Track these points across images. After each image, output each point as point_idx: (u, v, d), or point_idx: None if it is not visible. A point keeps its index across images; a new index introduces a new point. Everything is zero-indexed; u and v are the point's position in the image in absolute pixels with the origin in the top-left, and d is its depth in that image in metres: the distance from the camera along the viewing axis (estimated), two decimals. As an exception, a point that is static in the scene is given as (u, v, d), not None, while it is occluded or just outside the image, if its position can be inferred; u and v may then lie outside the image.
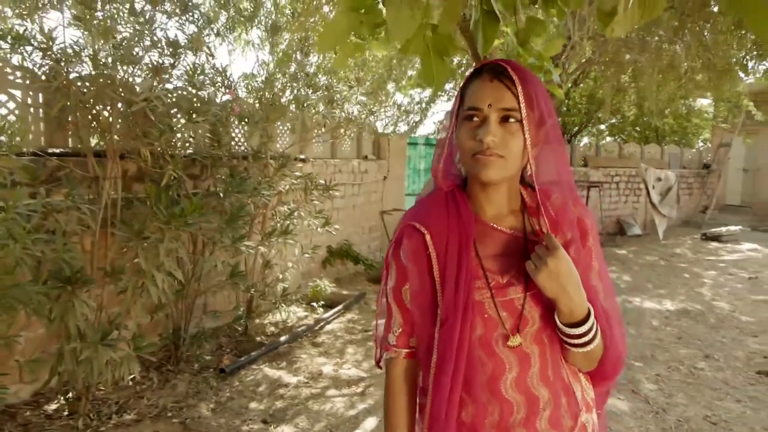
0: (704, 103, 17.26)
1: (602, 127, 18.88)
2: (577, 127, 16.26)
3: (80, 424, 3.47)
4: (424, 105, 12.59)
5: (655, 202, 11.69)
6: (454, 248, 1.22)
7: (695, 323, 6.10)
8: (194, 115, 3.49)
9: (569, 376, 1.27)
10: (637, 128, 17.51)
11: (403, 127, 8.43)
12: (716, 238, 12.46)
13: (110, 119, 3.46)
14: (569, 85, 9.61)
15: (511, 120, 1.15)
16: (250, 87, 5.10)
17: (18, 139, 2.81)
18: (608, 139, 19.18)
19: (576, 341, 1.18)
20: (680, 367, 4.72)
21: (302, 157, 6.36)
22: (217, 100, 4.21)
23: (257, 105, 5.02)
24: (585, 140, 18.72)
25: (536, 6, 2.15)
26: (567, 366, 1.27)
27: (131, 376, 4.11)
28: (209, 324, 5.05)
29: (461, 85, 1.26)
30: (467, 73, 1.22)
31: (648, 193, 11.74)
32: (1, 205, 2.65)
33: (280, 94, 5.13)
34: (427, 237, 1.25)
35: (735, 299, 7.31)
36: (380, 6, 1.40)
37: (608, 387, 1.37)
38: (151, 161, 3.78)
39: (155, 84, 3.32)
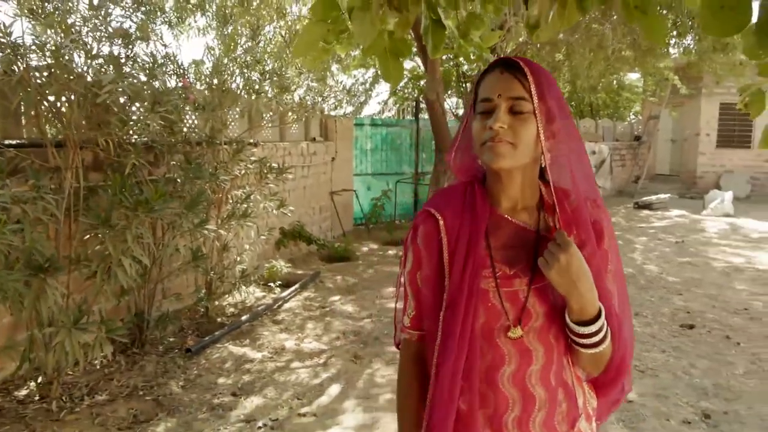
0: (634, 78, 18.08)
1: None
2: (516, 104, 16.81)
3: (54, 406, 3.60)
4: (368, 86, 12.80)
5: (591, 174, 12.32)
6: (465, 235, 1.25)
7: (627, 285, 6.61)
8: (156, 105, 3.62)
9: (574, 380, 1.27)
10: (573, 103, 18.20)
11: (348, 108, 8.60)
12: (647, 206, 13.25)
13: (71, 110, 3.54)
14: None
15: (521, 108, 1.18)
16: (199, 73, 5.21)
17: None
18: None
19: (585, 341, 1.18)
20: (613, 325, 5.17)
21: (253, 141, 6.50)
22: (169, 87, 4.32)
23: (206, 92, 5.14)
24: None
25: (475, 2, 2.42)
26: (573, 370, 1.27)
27: (97, 360, 4.25)
28: (171, 307, 5.19)
29: (476, 80, 1.31)
30: (481, 70, 1.29)
31: (584, 165, 12.34)
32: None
33: (230, 80, 5.26)
34: (441, 223, 1.28)
35: (663, 262, 7.92)
36: (344, 16, 1.64)
37: (613, 397, 1.36)
38: (107, 150, 3.90)
39: (112, 74, 3.42)
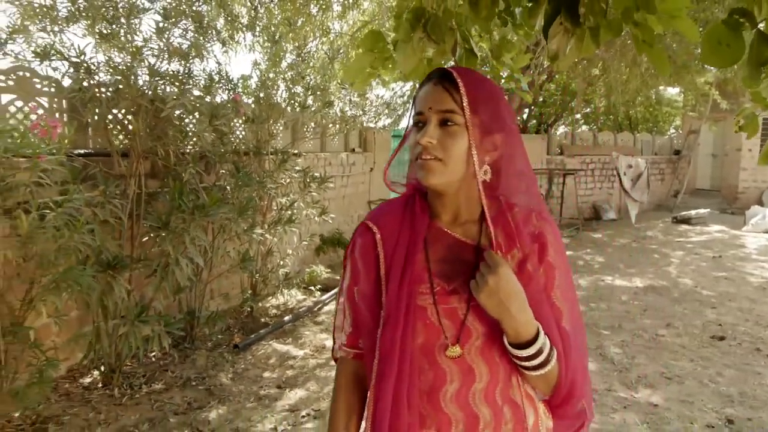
0: (673, 92, 17.95)
1: (578, 116, 19.53)
2: (553, 117, 16.86)
3: (116, 393, 3.94)
4: (405, 98, 13.08)
5: (627, 188, 12.33)
6: (402, 249, 1.21)
7: (660, 297, 6.71)
8: (213, 119, 3.96)
9: (523, 399, 1.20)
10: (611, 117, 18.17)
11: (386, 120, 8.89)
12: (686, 221, 13.14)
13: (136, 123, 3.89)
14: (544, 77, 10.13)
15: (450, 123, 1.15)
16: (246, 87, 5.55)
17: (66, 142, 3.25)
18: (584, 127, 19.84)
19: (525, 363, 1.13)
20: (643, 334, 5.30)
21: (296, 152, 6.83)
22: (218, 100, 4.66)
23: (253, 105, 5.48)
24: (561, 129, 19.34)
25: (507, 28, 2.67)
26: (522, 389, 1.20)
27: (154, 352, 4.59)
28: (218, 306, 5.52)
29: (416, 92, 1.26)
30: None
31: (620, 179, 12.36)
32: (57, 200, 3.10)
33: (274, 94, 5.59)
34: (377, 236, 1.24)
35: (698, 276, 7.94)
36: (389, 47, 1.90)
37: (570, 420, 1.27)
38: (167, 160, 4.25)
39: (175, 90, 3.76)
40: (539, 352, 1.12)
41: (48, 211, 3.07)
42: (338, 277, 7.31)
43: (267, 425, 3.55)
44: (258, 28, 5.88)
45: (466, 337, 1.16)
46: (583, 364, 1.24)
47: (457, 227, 1.24)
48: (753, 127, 2.00)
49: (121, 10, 3.93)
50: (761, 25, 1.48)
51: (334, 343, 1.40)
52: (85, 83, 3.94)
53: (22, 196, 3.25)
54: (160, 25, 3.86)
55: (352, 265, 1.31)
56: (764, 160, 1.97)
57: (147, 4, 4.12)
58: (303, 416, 3.67)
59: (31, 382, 3.33)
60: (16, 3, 3.94)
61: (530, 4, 1.73)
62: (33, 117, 4.10)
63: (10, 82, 4.07)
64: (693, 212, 13.38)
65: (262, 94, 5.45)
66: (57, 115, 4.33)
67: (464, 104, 1.14)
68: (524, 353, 1.12)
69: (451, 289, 1.19)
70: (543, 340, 1.13)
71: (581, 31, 1.72)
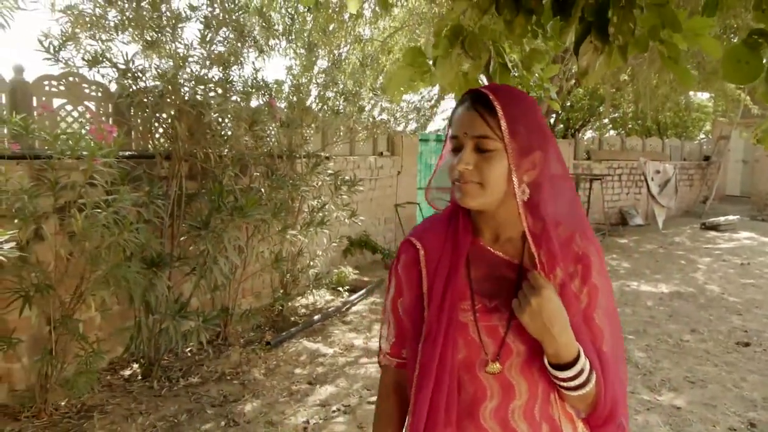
0: (704, 97, 17.77)
1: (605, 121, 19.44)
2: (580, 122, 16.82)
3: (155, 385, 4.13)
4: (433, 102, 13.20)
5: (654, 194, 12.28)
6: (445, 266, 1.23)
7: (686, 303, 6.72)
8: (253, 124, 4.13)
9: (561, 417, 1.21)
10: (639, 122, 18.06)
11: (414, 124, 9.02)
12: (715, 227, 13.03)
13: (180, 127, 4.08)
14: (572, 83, 10.16)
15: (486, 147, 1.15)
16: (279, 92, 5.73)
17: (117, 145, 3.45)
18: (611, 132, 19.73)
19: (564, 384, 1.14)
20: (668, 339, 5.35)
21: (326, 155, 6.99)
22: (260, 107, 4.83)
23: (286, 110, 5.65)
24: (589, 134, 19.27)
25: (538, 40, 2.78)
26: (561, 407, 1.21)
27: (189, 348, 4.78)
28: (250, 305, 5.69)
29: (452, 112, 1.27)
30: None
31: (647, 184, 12.32)
32: (107, 199, 3.30)
33: (305, 99, 5.75)
34: (421, 253, 1.27)
35: (726, 283, 7.91)
36: (428, 61, 2.03)
37: None
38: (207, 162, 4.43)
39: (218, 97, 3.95)
40: (579, 374, 1.13)
41: (99, 210, 3.26)
42: (365, 279, 7.46)
43: (299, 419, 3.70)
44: (293, 35, 6.05)
45: (506, 355, 1.18)
46: (623, 384, 1.24)
47: (498, 245, 1.25)
48: (771, 140, 2.09)
49: (165, 20, 4.13)
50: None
51: (380, 350, 1.43)
52: (131, 89, 4.15)
53: (72, 196, 3.45)
54: (203, 33, 4.04)
55: (397, 279, 1.34)
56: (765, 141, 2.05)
57: (189, 13, 4.31)
58: (333, 411, 3.82)
59: (79, 371, 3.53)
60: (68, 12, 4.16)
61: (561, 23, 1.85)
62: (86, 120, 4.36)
63: (62, 87, 4.30)
64: (722, 218, 13.26)
65: (294, 99, 5.62)
66: (104, 119, 4.55)
67: (503, 128, 1.14)
68: (564, 374, 1.13)
69: (492, 307, 1.20)
70: (583, 362, 1.13)
71: (610, 48, 1.83)
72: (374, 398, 4.00)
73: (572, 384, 1.13)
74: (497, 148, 1.15)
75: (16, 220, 3.17)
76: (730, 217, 13.41)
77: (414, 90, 2.16)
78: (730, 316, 6.23)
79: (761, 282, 7.94)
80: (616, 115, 18.23)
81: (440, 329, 1.17)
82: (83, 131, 3.29)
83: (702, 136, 20.95)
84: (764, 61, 1.65)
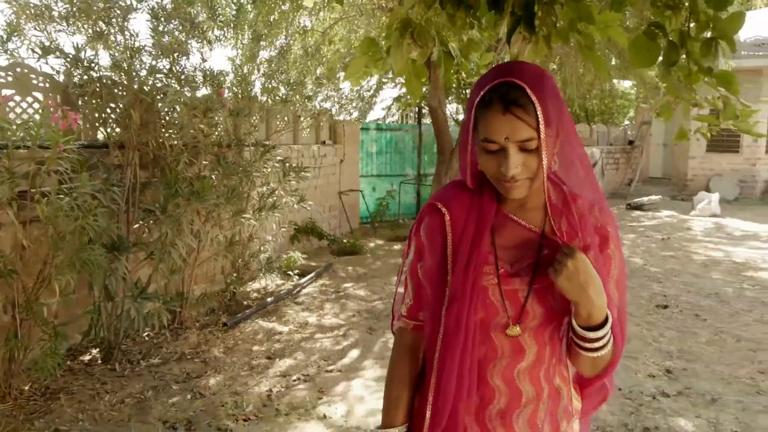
0: (627, 85, 18.78)
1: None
2: (513, 110, 17.46)
3: (117, 367, 4.25)
4: (372, 92, 13.48)
5: (583, 176, 13.00)
6: (470, 232, 1.26)
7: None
8: (208, 113, 4.30)
9: (560, 381, 1.29)
10: (569, 109, 18.90)
11: (354, 113, 9.28)
12: (639, 207, 13.90)
13: (136, 116, 4.20)
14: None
15: (531, 147, 1.16)
16: (223, 82, 5.86)
17: (79, 136, 3.56)
18: (543, 119, 20.54)
19: (589, 345, 1.20)
20: (597, 306, 5.84)
21: (272, 144, 7.16)
22: (212, 97, 4.98)
23: (231, 99, 5.79)
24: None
25: (475, 31, 3.10)
26: (561, 371, 1.30)
27: (146, 332, 4.90)
28: (204, 290, 5.83)
29: (471, 98, 1.25)
30: (477, 92, 1.23)
31: (577, 168, 13.02)
32: (71, 186, 3.42)
33: (250, 88, 5.91)
34: (447, 217, 1.30)
35: (648, 255, 8.57)
36: (382, 50, 2.30)
37: (598, 398, 1.40)
38: (161, 150, 4.57)
39: (174, 86, 4.09)
40: (605, 335, 1.20)
41: (61, 196, 3.38)
42: (313, 263, 7.69)
43: (263, 388, 3.93)
44: (237, 26, 6.18)
45: (524, 318, 1.24)
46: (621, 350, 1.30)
47: (522, 214, 1.29)
48: (668, 113, 2.47)
49: (114, 11, 4.23)
50: (671, 36, 1.93)
51: (393, 317, 1.48)
52: (77, 78, 4.23)
53: (29, 184, 3.55)
54: (155, 24, 4.16)
55: (417, 243, 1.37)
56: (680, 138, 2.44)
57: (136, 4, 4.41)
58: (294, 380, 4.06)
59: (45, 354, 3.63)
60: (13, 2, 4.20)
61: (495, 16, 2.16)
62: (34, 111, 4.40)
63: (9, 78, 4.33)
64: (645, 199, 14.14)
65: (240, 89, 5.77)
66: (52, 110, 4.59)
67: (540, 123, 1.15)
68: (593, 335, 1.19)
69: (513, 272, 1.25)
70: (610, 326, 1.20)
71: (536, 37, 2.15)
72: (332, 367, 4.29)
73: (597, 345, 1.20)
74: (538, 143, 1.16)
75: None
76: (653, 197, 14.31)
77: (369, 76, 2.42)
78: (651, 283, 6.82)
79: (679, 254, 8.64)
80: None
81: (465, 293, 1.22)
82: (45, 120, 3.37)
83: (626, 122, 22.10)
84: (661, 47, 2.01)
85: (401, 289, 1.45)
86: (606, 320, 1.19)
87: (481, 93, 1.20)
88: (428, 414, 1.27)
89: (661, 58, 1.96)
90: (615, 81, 15.53)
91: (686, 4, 1.89)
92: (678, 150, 17.46)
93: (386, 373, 1.43)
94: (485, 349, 1.25)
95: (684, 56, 1.93)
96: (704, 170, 16.72)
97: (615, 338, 1.23)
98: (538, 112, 1.14)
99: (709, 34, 1.83)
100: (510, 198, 1.23)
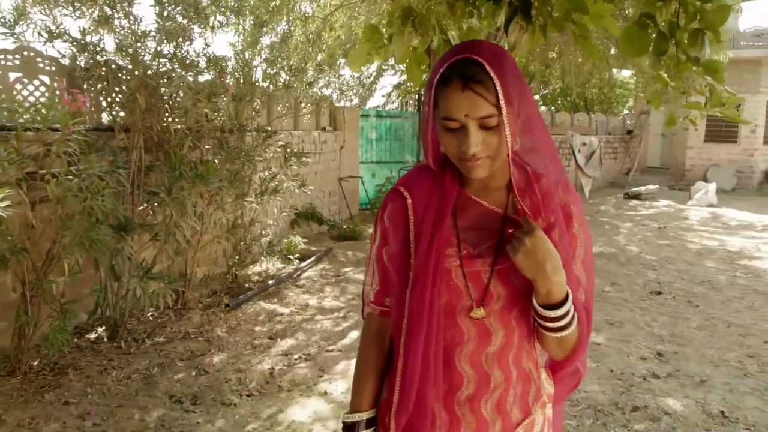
0: (627, 75, 18.82)
1: (537, 97, 20.27)
2: (513, 98, 17.51)
3: (123, 345, 4.37)
4: (372, 79, 13.53)
5: (581, 165, 13.10)
6: (432, 214, 1.25)
7: (608, 261, 7.40)
8: (212, 97, 4.38)
9: (531, 366, 1.28)
10: (568, 98, 18.96)
11: (354, 100, 9.34)
12: (637, 196, 14.01)
13: (142, 100, 4.28)
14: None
15: (490, 123, 1.14)
16: (226, 68, 5.94)
17: (86, 119, 3.64)
18: (542, 108, 20.60)
19: (551, 324, 1.17)
20: (591, 291, 5.96)
21: (274, 129, 7.24)
22: (216, 82, 5.06)
23: (232, 84, 5.87)
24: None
25: (474, 20, 3.19)
26: (532, 356, 1.28)
27: (150, 312, 5.02)
28: (208, 272, 5.94)
29: (431, 77, 1.23)
30: (436, 71, 1.20)
31: (575, 156, 13.11)
32: (80, 168, 3.51)
33: (252, 74, 5.99)
34: (409, 201, 1.29)
35: (644, 244, 8.69)
36: (384, 38, 2.39)
37: (570, 382, 1.37)
38: (166, 134, 4.66)
39: (179, 71, 4.18)
40: (566, 315, 1.16)
41: (71, 178, 3.48)
42: (313, 248, 7.79)
43: (265, 366, 4.05)
44: (240, 12, 6.25)
45: (488, 300, 1.22)
46: (589, 330, 1.27)
47: (485, 195, 1.28)
48: (657, 101, 2.57)
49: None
50: (661, 26, 2.02)
51: (363, 303, 1.48)
52: (82, 62, 4.32)
53: (34, 166, 3.65)
54: (161, 10, 4.24)
55: (382, 228, 1.36)
56: (669, 124, 2.54)
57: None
58: (296, 358, 4.18)
59: (55, 330, 3.74)
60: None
61: (494, 6, 2.24)
62: (41, 94, 4.49)
63: (16, 61, 4.41)
64: (643, 188, 14.25)
65: (240, 74, 5.85)
66: (57, 92, 4.68)
67: (500, 99, 1.13)
68: (553, 314, 1.16)
69: (476, 254, 1.24)
70: (570, 304, 1.17)
71: (533, 27, 2.24)
72: (332, 347, 4.40)
73: (558, 324, 1.17)
74: (499, 120, 1.15)
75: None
76: (651, 187, 14.42)
77: (370, 62, 2.51)
78: (646, 271, 6.94)
79: (675, 243, 8.76)
80: (546, 91, 19.07)
81: (428, 276, 1.21)
82: (54, 102, 3.46)
83: (625, 111, 22.15)
84: (651, 38, 2.10)
85: (368, 277, 1.45)
86: (566, 299, 1.17)
87: (441, 71, 1.17)
88: (395, 399, 1.27)
89: (651, 48, 2.05)
90: (614, 70, 15.59)
91: (676, -4, 1.98)
92: (676, 140, 17.55)
93: (356, 358, 1.41)
94: (451, 333, 1.24)
95: (674, 46, 2.02)
96: (702, 160, 16.82)
97: (580, 318, 1.21)
98: (498, 89, 1.13)
99: (696, 25, 1.92)
100: (471, 177, 1.21)
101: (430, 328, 1.20)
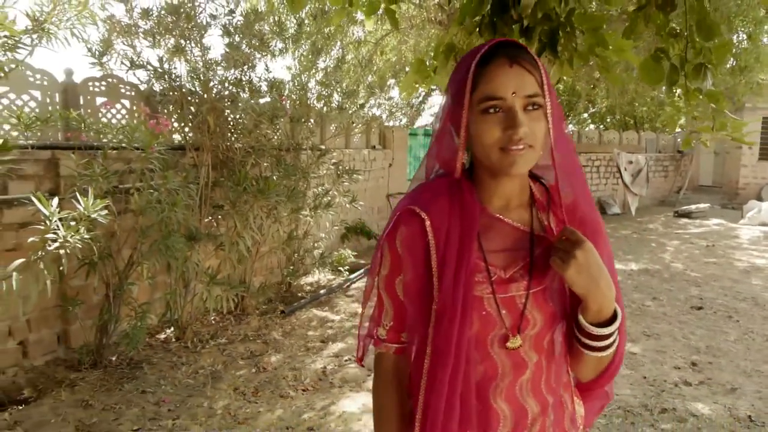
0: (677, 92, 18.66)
1: (585, 115, 20.29)
2: (560, 117, 17.64)
3: (189, 344, 4.79)
4: (421, 99, 13.94)
5: (627, 183, 13.12)
6: (455, 238, 1.12)
7: (651, 278, 7.50)
8: (275, 119, 4.82)
9: (562, 389, 1.20)
10: (617, 116, 18.92)
11: (404, 120, 9.73)
12: (687, 215, 13.89)
13: (212, 122, 4.74)
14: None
15: (535, 106, 1.07)
16: (282, 89, 6.39)
17: (162, 139, 4.11)
18: (590, 126, 20.59)
19: (597, 343, 1.10)
20: (631, 305, 6.11)
21: (326, 148, 7.68)
22: (276, 104, 5.50)
23: (288, 106, 6.31)
24: (570, 128, 20.10)
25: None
26: (560, 379, 1.20)
27: (213, 316, 5.45)
28: (265, 281, 6.37)
29: (460, 67, 1.14)
30: (471, 56, 1.11)
31: (621, 174, 13.15)
32: (157, 183, 3.96)
33: (307, 96, 6.43)
34: (427, 223, 1.15)
35: (690, 261, 8.71)
36: (429, 69, 2.73)
37: (599, 402, 1.31)
38: (231, 152, 5.11)
39: (246, 96, 4.63)
40: (615, 332, 1.10)
41: (152, 191, 3.94)
42: (362, 261, 8.14)
43: (318, 365, 4.40)
44: (299, 39, 6.72)
45: (524, 327, 1.12)
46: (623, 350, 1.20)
47: (508, 213, 1.18)
48: (672, 125, 2.84)
49: (193, 29, 4.79)
50: (673, 60, 2.30)
51: (359, 343, 1.33)
52: (159, 88, 4.82)
53: (116, 181, 4.12)
54: (230, 41, 4.71)
55: (393, 254, 1.20)
56: (685, 146, 2.79)
57: (210, 21, 4.97)
58: (346, 360, 4.52)
59: (134, 328, 4.19)
60: (107, 21, 4.81)
61: (526, 42, 2.56)
62: (121, 117, 5.01)
63: (103, 87, 4.95)
64: (693, 207, 14.12)
65: (296, 96, 6.30)
66: (136, 115, 5.20)
67: (544, 85, 1.08)
68: (603, 332, 1.09)
69: (508, 277, 1.13)
70: (620, 321, 1.10)
71: (560, 60, 2.54)
72: (379, 350, 4.72)
73: (604, 343, 1.10)
74: (542, 105, 1.08)
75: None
76: (701, 205, 14.27)
77: (417, 90, 2.85)
78: (690, 287, 7.02)
79: (722, 261, 8.75)
80: (594, 110, 19.09)
81: (456, 306, 1.09)
82: (139, 125, 3.94)
83: (678, 129, 21.87)
84: (665, 69, 2.38)
85: (369, 311, 1.31)
86: (616, 315, 1.10)
87: (479, 53, 1.10)
88: None
89: (665, 78, 2.33)
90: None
91: (685, 34, 2.25)
92: (730, 158, 17.28)
93: (373, 405, 1.27)
94: (483, 368, 1.13)
95: (683, 77, 2.29)
96: (756, 179, 16.51)
97: (621, 335, 1.14)
98: (542, 72, 1.08)
99: (700, 60, 2.19)
100: (512, 173, 1.10)
101: (457, 364, 1.10)
